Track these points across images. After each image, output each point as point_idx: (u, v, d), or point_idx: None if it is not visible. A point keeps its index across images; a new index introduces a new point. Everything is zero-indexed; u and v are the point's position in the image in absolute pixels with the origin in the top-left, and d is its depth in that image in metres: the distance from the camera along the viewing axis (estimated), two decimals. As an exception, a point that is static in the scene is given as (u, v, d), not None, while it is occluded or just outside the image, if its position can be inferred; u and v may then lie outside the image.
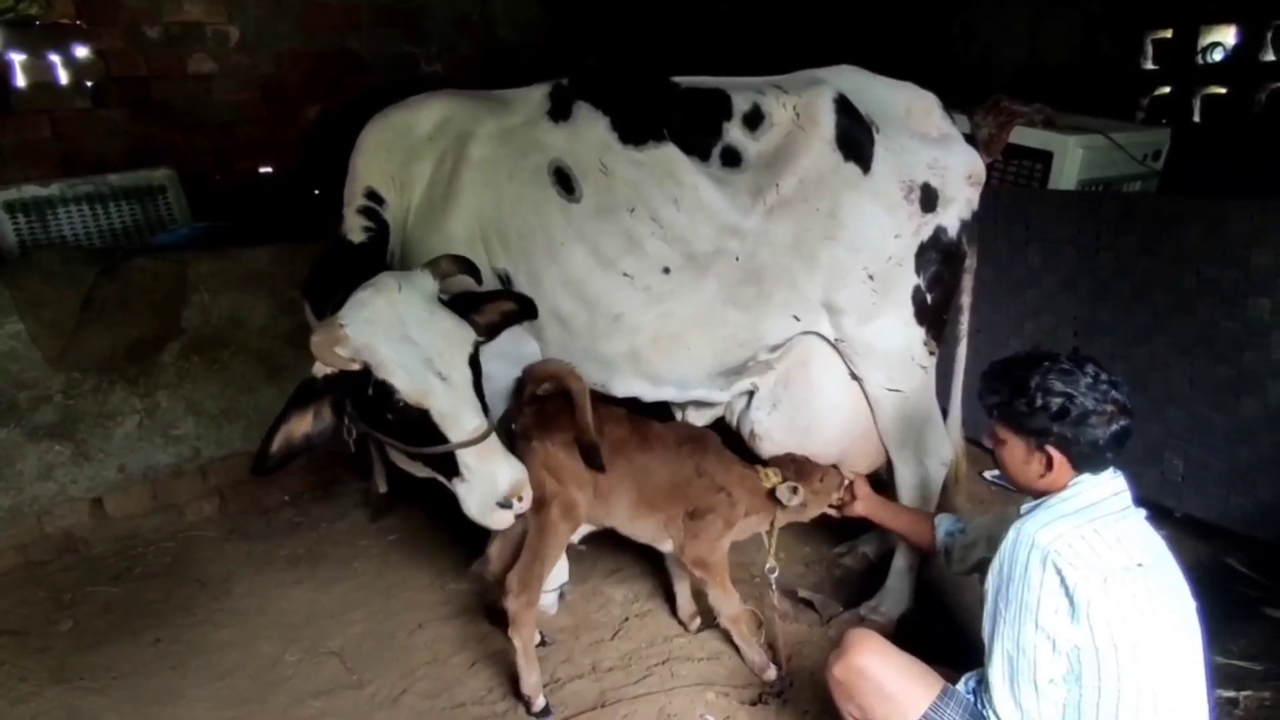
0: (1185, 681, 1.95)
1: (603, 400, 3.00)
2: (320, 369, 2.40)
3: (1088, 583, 1.87)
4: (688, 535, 2.92)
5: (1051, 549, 1.91)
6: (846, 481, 3.00)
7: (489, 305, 2.69)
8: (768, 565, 3.00)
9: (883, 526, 3.05)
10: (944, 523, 2.75)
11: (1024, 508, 2.12)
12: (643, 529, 3.01)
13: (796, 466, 2.99)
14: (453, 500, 2.61)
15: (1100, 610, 1.87)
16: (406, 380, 2.36)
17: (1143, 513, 2.06)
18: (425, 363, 2.38)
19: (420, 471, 2.77)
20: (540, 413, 2.84)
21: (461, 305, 2.60)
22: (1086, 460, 2.02)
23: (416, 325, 2.40)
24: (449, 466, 2.50)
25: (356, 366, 2.36)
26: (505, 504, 2.47)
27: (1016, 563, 1.96)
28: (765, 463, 3.06)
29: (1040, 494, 2.10)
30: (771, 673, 2.95)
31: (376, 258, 2.89)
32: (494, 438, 2.49)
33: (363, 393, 2.41)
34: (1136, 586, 1.90)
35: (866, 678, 2.12)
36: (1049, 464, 2.04)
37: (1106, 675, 1.89)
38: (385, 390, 2.37)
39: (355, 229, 2.94)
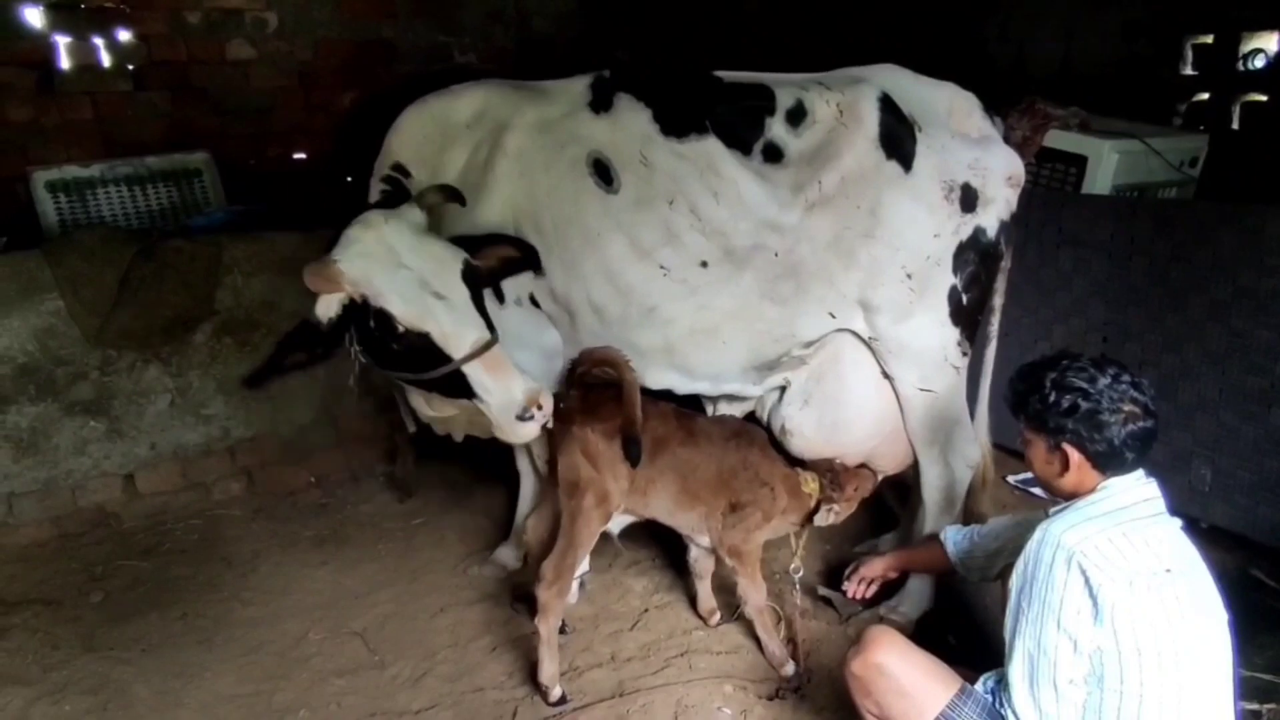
0: (1210, 691, 1.93)
1: (649, 396, 3.02)
2: (323, 312, 2.47)
3: (1113, 585, 1.86)
4: (726, 525, 2.96)
5: (1077, 550, 1.89)
6: (879, 479, 3.01)
7: (488, 249, 2.71)
8: (793, 566, 3.06)
9: (906, 570, 2.98)
10: (949, 535, 2.72)
11: (1052, 510, 2.11)
12: (684, 521, 3.04)
13: (833, 475, 3.04)
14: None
15: (1124, 613, 1.86)
16: (403, 305, 2.42)
17: (1177, 522, 2.04)
18: (420, 285, 2.44)
19: (444, 410, 2.80)
20: (585, 400, 2.86)
21: (461, 247, 2.64)
22: (1105, 460, 2.00)
23: (408, 252, 2.46)
24: (466, 389, 2.53)
25: (351, 292, 2.43)
26: (525, 415, 2.50)
27: (1041, 563, 1.95)
28: (804, 465, 3.09)
29: (1067, 496, 2.09)
30: (790, 668, 2.97)
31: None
32: (499, 351, 2.52)
33: (365, 326, 2.47)
34: (1164, 592, 1.88)
35: (885, 674, 2.12)
36: (1065, 462, 2.04)
37: (1129, 679, 1.88)
38: (385, 318, 2.43)
39: (374, 193, 3.01)
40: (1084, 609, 1.89)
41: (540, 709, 2.84)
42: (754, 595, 3.00)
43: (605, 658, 3.10)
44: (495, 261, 2.73)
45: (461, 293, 2.51)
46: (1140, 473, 2.04)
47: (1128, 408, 1.98)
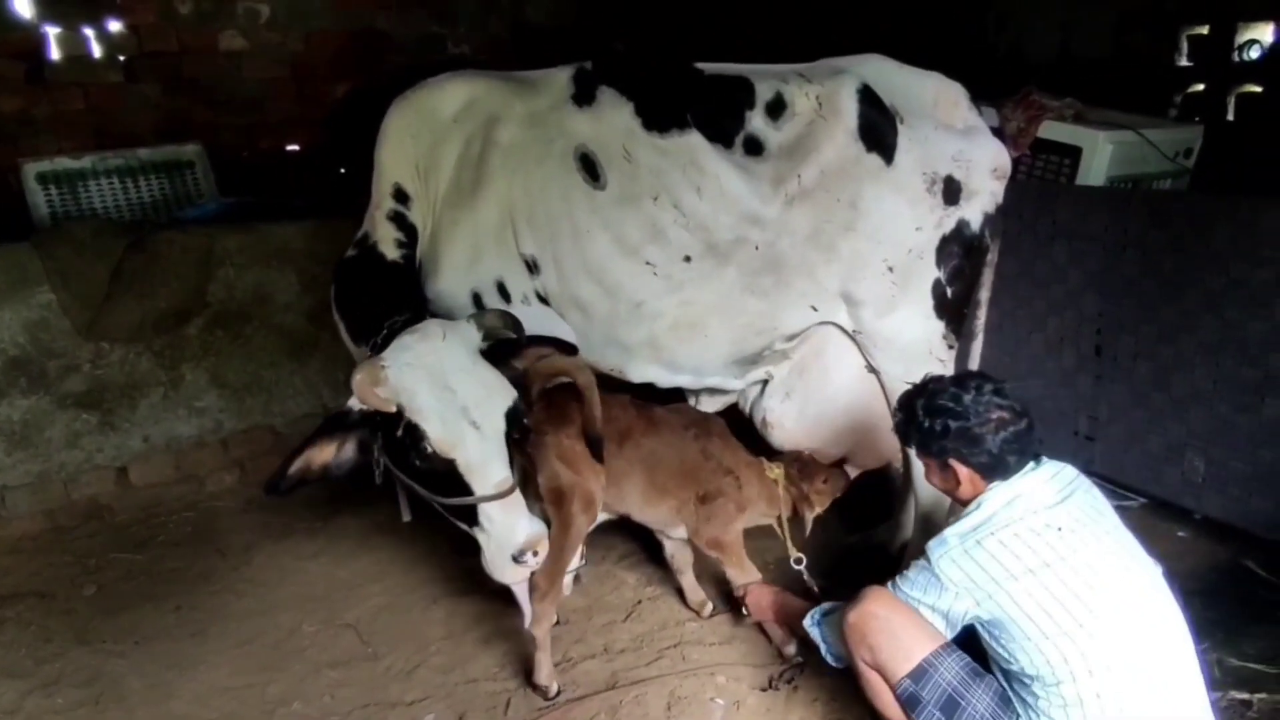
0: (1147, 634, 2.01)
1: (606, 389, 3.00)
2: (355, 404, 2.43)
3: (968, 594, 2.07)
4: (700, 519, 2.97)
5: (938, 569, 2.12)
6: (852, 478, 3.07)
7: (530, 350, 2.70)
8: (793, 558, 3.03)
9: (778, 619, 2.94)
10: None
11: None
12: (654, 515, 3.05)
13: (800, 464, 3.05)
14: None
15: (978, 611, 2.07)
16: (440, 428, 2.36)
17: (1071, 502, 2.13)
18: (461, 411, 2.38)
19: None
20: (550, 406, 2.86)
21: (503, 350, 2.62)
22: (990, 469, 2.17)
23: (457, 373, 2.41)
24: (470, 514, 2.50)
25: (393, 408, 2.37)
26: (519, 558, 2.46)
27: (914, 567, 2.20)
28: (771, 456, 3.10)
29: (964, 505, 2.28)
30: (793, 647, 2.97)
31: (411, 277, 2.94)
32: (517, 494, 2.49)
33: (393, 434, 2.42)
34: (1021, 586, 2.02)
35: (877, 618, 2.21)
36: (956, 478, 2.22)
37: (1024, 660, 2.03)
38: (416, 435, 2.37)
39: (387, 241, 2.95)
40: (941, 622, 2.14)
41: (534, 700, 2.85)
42: (743, 580, 3.01)
43: (598, 649, 3.11)
44: (536, 362, 2.71)
45: (498, 427, 2.45)
46: (1017, 471, 2.18)
47: (996, 415, 2.15)
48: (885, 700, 2.23)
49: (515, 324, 2.68)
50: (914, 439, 2.29)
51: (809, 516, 3.05)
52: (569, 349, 2.82)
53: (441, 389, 2.38)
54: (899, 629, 2.19)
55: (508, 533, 2.44)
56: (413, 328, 2.50)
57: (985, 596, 2.06)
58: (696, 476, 2.98)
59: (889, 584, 2.28)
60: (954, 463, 2.20)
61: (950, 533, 2.18)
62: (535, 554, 2.47)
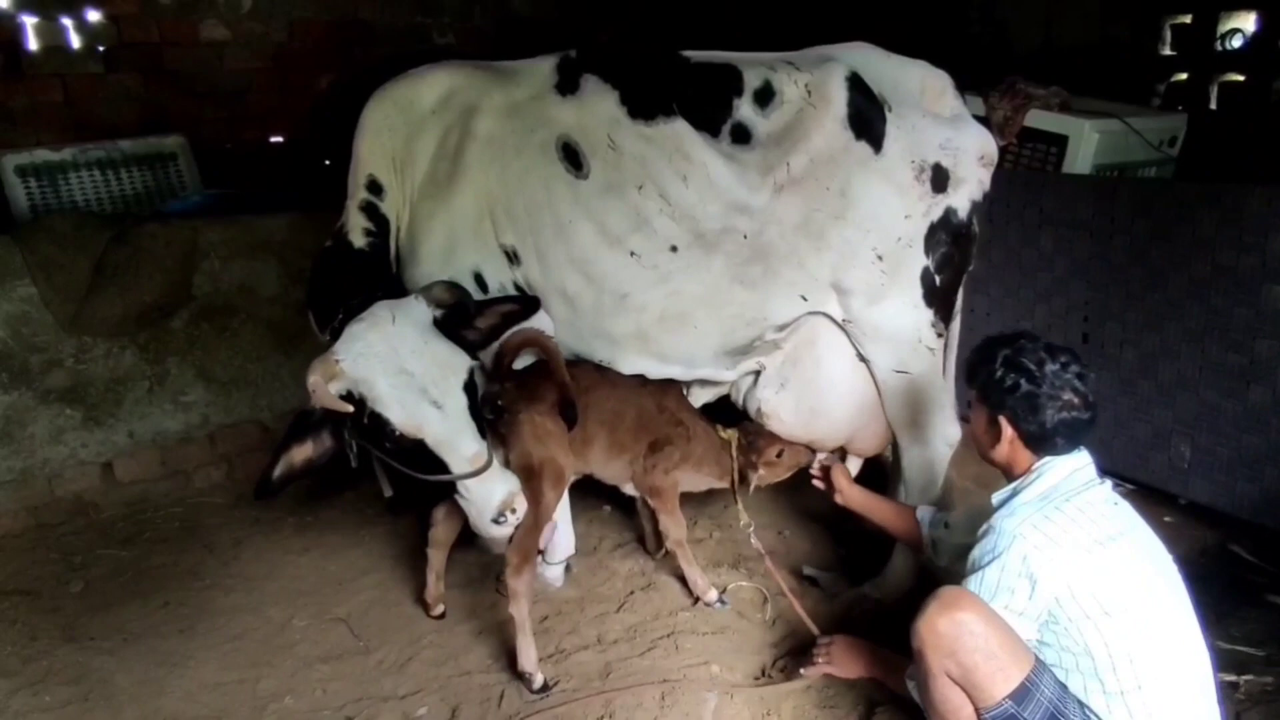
0: (1173, 639, 2.02)
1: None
2: (320, 399, 2.44)
3: (1051, 563, 1.99)
4: (647, 466, 3.10)
5: (1018, 533, 2.03)
6: (815, 463, 3.11)
7: (490, 309, 2.73)
8: (742, 522, 3.18)
9: (867, 519, 2.99)
10: (925, 515, 2.81)
11: (995, 498, 2.23)
12: (613, 470, 3.17)
13: (755, 434, 3.17)
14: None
15: (1059, 584, 1.98)
16: (401, 414, 2.42)
17: (1109, 483, 2.18)
18: (420, 392, 2.44)
19: None
20: (522, 385, 2.89)
21: (462, 314, 2.64)
22: (1036, 442, 2.15)
23: (411, 355, 2.45)
24: (449, 485, 2.60)
25: (349, 409, 2.41)
26: (499, 519, 2.59)
27: (986, 551, 2.08)
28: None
29: (1000, 468, 2.27)
30: (712, 594, 3.20)
31: (377, 266, 2.93)
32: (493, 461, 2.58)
33: (360, 419, 2.46)
34: (1096, 558, 2.00)
35: (972, 633, 2.01)
36: (999, 436, 2.19)
37: (1090, 640, 1.98)
38: (380, 422, 2.42)
39: (356, 230, 2.94)
40: (1021, 588, 2.01)
41: (527, 693, 2.83)
42: (674, 530, 3.17)
43: (591, 640, 3.10)
44: (496, 319, 2.74)
45: (460, 401, 2.52)
46: (1064, 453, 2.16)
47: (1066, 396, 2.11)
48: (963, 717, 2.07)
49: (463, 293, 2.71)
50: (979, 382, 2.23)
51: (753, 480, 3.19)
52: (529, 303, 2.83)
53: (397, 374, 2.42)
54: (998, 646, 1.99)
55: (485, 499, 2.57)
56: (360, 315, 2.51)
57: (1066, 562, 1.98)
58: (649, 427, 3.10)
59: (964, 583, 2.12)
60: (1004, 421, 2.16)
61: (1017, 502, 2.13)
62: (514, 511, 2.60)
